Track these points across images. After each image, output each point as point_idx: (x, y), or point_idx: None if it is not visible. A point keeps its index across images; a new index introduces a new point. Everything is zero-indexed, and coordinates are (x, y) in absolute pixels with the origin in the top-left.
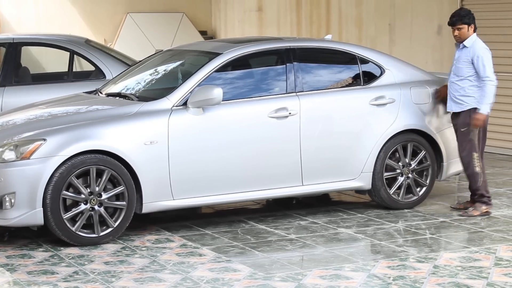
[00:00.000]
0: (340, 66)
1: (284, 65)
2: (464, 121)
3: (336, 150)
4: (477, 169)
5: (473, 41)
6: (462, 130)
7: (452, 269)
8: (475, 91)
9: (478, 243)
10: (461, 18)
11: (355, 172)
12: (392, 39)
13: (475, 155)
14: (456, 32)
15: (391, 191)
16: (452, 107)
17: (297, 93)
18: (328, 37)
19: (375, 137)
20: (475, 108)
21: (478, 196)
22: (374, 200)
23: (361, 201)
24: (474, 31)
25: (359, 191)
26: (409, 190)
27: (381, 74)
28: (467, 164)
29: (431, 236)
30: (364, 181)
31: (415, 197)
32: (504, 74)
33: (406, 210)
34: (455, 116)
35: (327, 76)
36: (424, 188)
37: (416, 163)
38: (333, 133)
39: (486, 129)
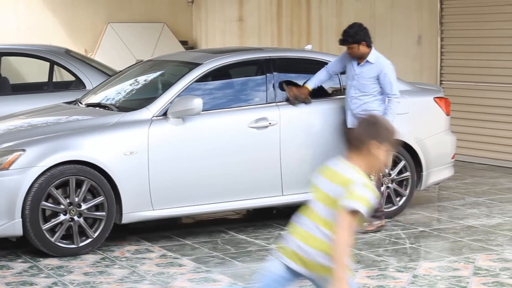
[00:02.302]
0: None
1: (264, 75)
2: None
3: (316, 160)
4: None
5: (377, 57)
6: None
7: (431, 279)
8: (379, 104)
9: (457, 253)
10: (347, 38)
11: None
12: None
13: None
14: (348, 51)
15: None
16: (355, 123)
17: (277, 103)
18: (308, 47)
19: None
20: None
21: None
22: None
23: None
24: (369, 45)
25: None
26: (389, 199)
27: None
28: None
29: (411, 245)
30: None
31: (395, 207)
32: (482, 84)
33: (386, 220)
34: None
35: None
36: (403, 198)
37: (396, 173)
38: (313, 143)
39: None
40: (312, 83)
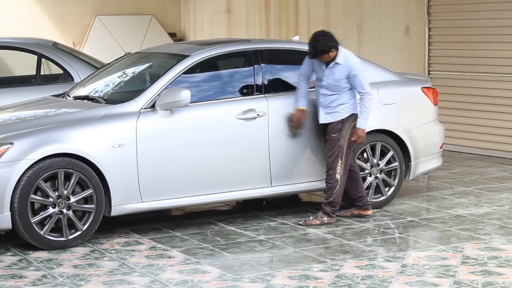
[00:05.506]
0: None
1: (252, 67)
2: (336, 127)
3: (305, 151)
4: (337, 176)
5: (345, 57)
6: (334, 136)
7: (420, 268)
8: (350, 98)
9: (445, 242)
10: (317, 53)
11: (324, 173)
12: (360, 40)
13: (340, 161)
14: (319, 59)
15: None
16: (328, 119)
17: (265, 95)
18: (296, 38)
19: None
20: (349, 116)
21: (325, 204)
22: (343, 201)
23: None
24: (337, 48)
25: None
26: (377, 190)
27: None
28: (329, 167)
29: (400, 235)
30: None
31: (383, 197)
32: (470, 74)
33: (375, 210)
34: (324, 125)
35: (295, 77)
36: (392, 188)
37: (384, 163)
38: (301, 134)
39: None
40: (303, 103)
